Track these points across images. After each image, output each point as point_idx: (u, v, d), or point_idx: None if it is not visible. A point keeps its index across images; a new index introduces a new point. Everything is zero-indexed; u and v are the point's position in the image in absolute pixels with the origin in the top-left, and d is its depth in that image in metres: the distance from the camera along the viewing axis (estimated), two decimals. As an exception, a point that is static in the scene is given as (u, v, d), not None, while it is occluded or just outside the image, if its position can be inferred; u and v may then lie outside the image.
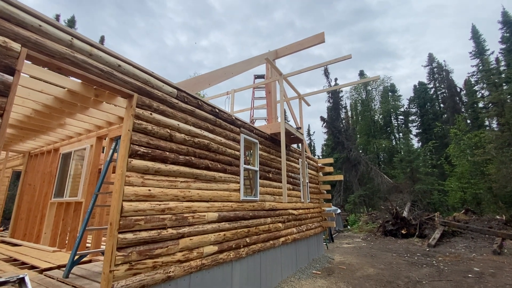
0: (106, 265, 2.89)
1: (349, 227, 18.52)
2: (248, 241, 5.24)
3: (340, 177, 10.06)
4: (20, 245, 6.35)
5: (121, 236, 2.98)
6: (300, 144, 9.21)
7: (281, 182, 7.11)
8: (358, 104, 38.13)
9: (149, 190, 3.40)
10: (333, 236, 14.69)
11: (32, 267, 4.33)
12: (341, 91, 33.01)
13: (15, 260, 4.81)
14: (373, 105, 36.51)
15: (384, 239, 14.09)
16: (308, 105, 9.44)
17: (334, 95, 30.64)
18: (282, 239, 6.69)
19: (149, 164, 3.45)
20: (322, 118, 30.31)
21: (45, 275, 3.70)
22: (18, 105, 4.49)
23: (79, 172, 5.95)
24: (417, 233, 13.72)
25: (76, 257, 3.60)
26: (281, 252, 6.67)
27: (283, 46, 8.09)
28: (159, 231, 3.44)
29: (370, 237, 14.90)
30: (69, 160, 6.27)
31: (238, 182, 5.28)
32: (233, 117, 5.45)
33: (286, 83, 7.36)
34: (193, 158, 4.18)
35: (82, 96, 4.33)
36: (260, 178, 6.10)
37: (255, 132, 6.23)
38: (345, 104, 37.80)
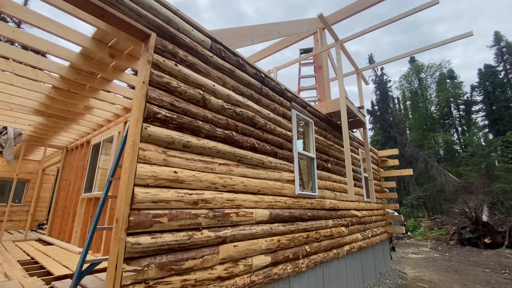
0: (108, 286, 1.83)
1: (409, 233, 15.95)
2: (307, 249, 3.92)
3: (409, 172, 8.16)
4: (53, 244, 5.89)
5: (131, 239, 1.90)
6: (359, 130, 7.61)
7: (341, 175, 5.65)
8: (408, 94, 33.64)
9: (175, 172, 2.31)
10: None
11: (47, 273, 3.57)
12: (389, 80, 29.64)
13: (35, 263, 4.16)
14: (428, 94, 31.97)
15: (461, 249, 11.53)
16: (367, 83, 7.81)
17: (382, 86, 27.54)
18: (347, 247, 5.21)
19: (175, 134, 2.36)
20: (368, 111, 27.37)
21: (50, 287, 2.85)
22: (32, 80, 3.81)
23: (108, 164, 5.25)
24: (506, 243, 10.96)
25: (86, 265, 2.69)
26: (346, 264, 5.19)
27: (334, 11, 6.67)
28: (190, 233, 2.32)
29: (441, 246, 12.39)
30: (99, 151, 5.64)
31: (292, 171, 4.00)
32: (283, 87, 4.21)
33: (343, 54, 5.90)
34: (234, 133, 3.02)
35: (97, 62, 3.48)
36: (317, 168, 4.74)
37: (308, 109, 4.90)
38: (394, 95, 33.81)
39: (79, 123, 5.78)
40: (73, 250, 4.94)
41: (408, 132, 31.26)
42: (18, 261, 4.13)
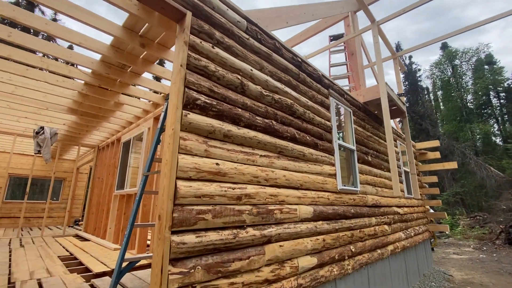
0: (153, 289, 1.65)
1: (447, 232, 14.85)
2: (353, 249, 3.58)
3: (453, 165, 7.45)
4: (89, 240, 6.02)
5: (176, 238, 1.71)
6: (393, 121, 7.06)
7: (381, 168, 5.21)
8: (439, 83, 31.07)
9: (217, 164, 2.09)
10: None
11: (85, 270, 3.56)
12: (419, 69, 27.72)
13: (74, 258, 4.20)
14: (463, 82, 29.35)
15: (511, 249, 10.46)
16: (404, 69, 7.20)
17: (411, 76, 25.86)
18: (391, 247, 4.78)
19: (215, 123, 2.14)
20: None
21: (90, 285, 2.78)
22: (65, 76, 3.80)
23: (138, 161, 5.23)
24: None
25: (125, 263, 2.58)
26: (390, 265, 4.77)
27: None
28: (235, 231, 2.10)
29: (486, 246, 11.35)
30: (129, 148, 5.65)
31: (333, 164, 3.67)
32: (320, 73, 3.87)
33: (380, 38, 5.40)
34: (274, 122, 2.75)
35: (128, 54, 3.37)
36: (357, 162, 4.36)
37: (346, 97, 4.51)
38: (424, 85, 31.43)
39: (110, 121, 5.82)
40: (108, 246, 4.97)
41: (439, 124, 29.13)
42: (58, 256, 4.19)
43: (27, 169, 9.29)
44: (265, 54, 2.89)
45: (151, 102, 4.99)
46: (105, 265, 3.62)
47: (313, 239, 2.94)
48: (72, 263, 3.88)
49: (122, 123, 6.01)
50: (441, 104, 32.68)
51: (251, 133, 2.45)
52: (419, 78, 28.36)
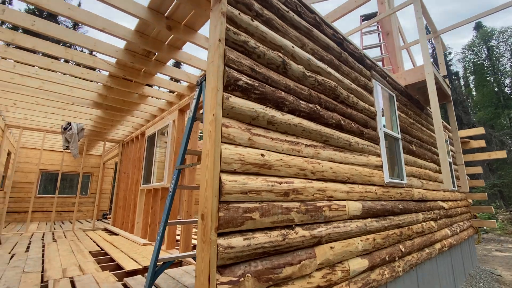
0: (199, 302, 1.41)
1: (485, 227, 13.83)
2: (402, 249, 3.20)
3: (501, 154, 6.71)
4: (117, 234, 6.04)
5: (223, 242, 1.45)
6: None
7: (425, 159, 4.71)
8: (472, 67, 28.62)
9: (262, 155, 1.80)
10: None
11: (117, 267, 3.46)
12: (449, 53, 25.72)
13: (105, 254, 4.15)
14: (500, 65, 26.80)
15: None
16: (445, 49, 6.50)
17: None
18: (438, 245, 4.33)
19: (258, 107, 1.85)
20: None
21: (122, 285, 2.64)
22: (90, 68, 3.66)
23: (164, 154, 5.10)
24: None
25: (159, 263, 2.40)
26: (437, 265, 4.33)
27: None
28: (283, 231, 1.82)
29: (533, 243, 10.37)
30: (154, 142, 5.53)
31: (379, 155, 3.28)
32: (362, 52, 3.45)
33: (423, 15, 4.82)
34: (318, 107, 2.41)
35: (153, 40, 3.14)
36: (402, 151, 3.91)
37: (388, 80, 4.05)
38: (455, 69, 29.15)
39: (134, 115, 5.73)
40: (137, 241, 4.92)
41: (472, 111, 27.04)
42: (89, 252, 4.16)
43: (57, 165, 9.59)
44: (306, 29, 2.54)
45: (176, 93, 4.80)
46: (136, 261, 3.50)
47: (363, 238, 2.60)
48: (103, 259, 3.81)
49: (146, 117, 5.90)
50: (473, 90, 30.35)
51: (296, 120, 2.14)
52: (449, 62, 26.32)
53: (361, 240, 2.57)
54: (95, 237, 5.64)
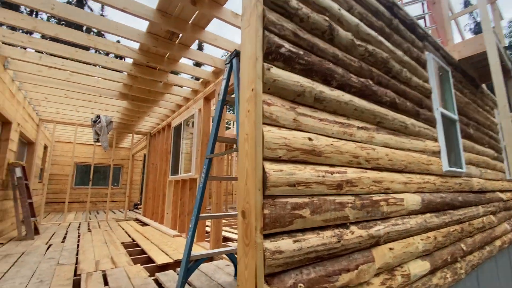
0: (244, 317, 1.15)
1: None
2: (464, 248, 2.75)
3: None
4: (148, 225, 6.10)
5: (270, 245, 1.17)
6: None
7: (483, 144, 4.10)
8: None
9: (310, 139, 1.48)
10: None
11: (148, 260, 3.38)
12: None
13: (136, 245, 4.13)
14: None
15: None
16: (502, 18, 5.61)
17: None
18: (498, 242, 3.77)
19: (303, 81, 1.52)
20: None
21: (154, 281, 2.50)
22: (113, 54, 3.50)
23: (191, 144, 4.95)
24: None
25: (192, 259, 2.21)
26: (497, 264, 3.78)
27: None
28: (337, 231, 1.50)
29: None
30: (180, 133, 5.41)
31: (436, 139, 2.81)
32: (413, 20, 2.93)
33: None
34: (370, 82, 2.02)
35: (175, 19, 2.88)
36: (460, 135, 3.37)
37: (442, 53, 3.48)
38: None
39: (159, 105, 5.63)
40: (167, 232, 4.88)
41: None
42: (121, 243, 4.16)
43: (89, 157, 9.99)
44: (352, -10, 2.12)
45: (201, 80, 4.57)
46: (167, 254, 3.40)
47: (424, 237, 2.21)
48: (135, 251, 3.77)
49: (172, 107, 5.78)
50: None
51: (346, 97, 1.77)
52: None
53: (421, 239, 2.18)
54: (127, 227, 5.72)
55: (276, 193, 1.26)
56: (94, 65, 3.86)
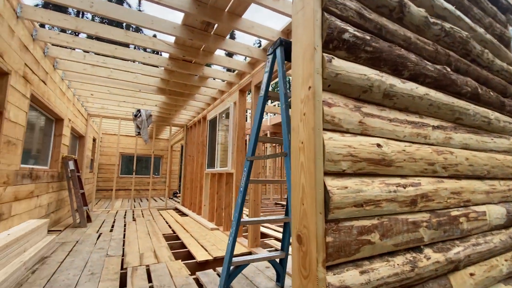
0: None
1: None
2: (557, 268, 2.24)
3: None
4: (187, 215, 6.28)
5: (334, 280, 0.96)
6: None
7: None
8: None
9: (378, 145, 1.20)
10: None
11: (188, 255, 3.41)
12: None
13: (177, 238, 4.22)
14: None
15: None
16: None
17: None
18: None
19: (370, 73, 1.23)
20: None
21: (195, 280, 2.47)
22: (150, 49, 3.46)
23: (226, 139, 4.87)
24: None
25: (234, 265, 2.11)
26: None
27: None
28: (409, 257, 1.23)
29: None
30: (216, 126, 5.35)
31: (523, 135, 2.28)
32: (497, -13, 2.36)
33: None
34: (447, 69, 1.63)
35: (212, 8, 2.69)
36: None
37: (529, 27, 2.81)
38: None
39: (195, 99, 5.61)
40: (205, 224, 4.93)
41: None
42: (163, 234, 4.29)
43: (132, 148, 10.61)
44: (424, -46, 1.71)
45: (236, 71, 4.39)
46: (206, 250, 3.39)
47: (508, 256, 1.81)
48: (175, 244, 3.84)
49: (207, 100, 5.73)
50: None
51: (421, 90, 1.44)
52: None
53: (506, 260, 1.79)
54: (168, 217, 5.95)
55: (340, 216, 1.03)
56: (133, 61, 3.89)
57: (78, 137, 6.74)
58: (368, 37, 1.23)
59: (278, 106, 8.51)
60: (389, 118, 1.29)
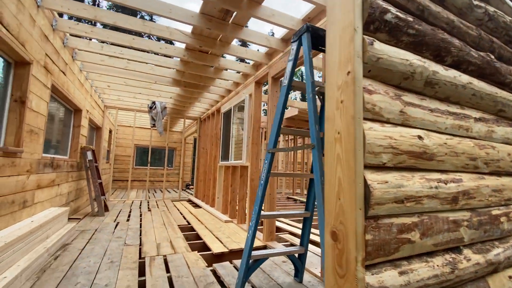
0: None
1: None
2: None
3: None
4: (200, 207, 6.33)
5: (372, 280, 0.89)
6: None
7: None
8: None
9: (420, 137, 1.11)
10: None
11: (204, 246, 3.42)
12: None
13: (191, 229, 4.25)
14: None
15: None
16: None
17: None
18: None
19: (413, 58, 1.13)
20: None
21: (212, 272, 2.46)
22: (167, 39, 3.42)
23: (241, 132, 4.82)
24: None
25: (253, 259, 2.08)
26: None
27: None
28: (449, 258, 1.15)
29: None
30: (230, 118, 5.30)
31: None
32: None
33: None
34: (491, 57, 1.49)
35: (231, -6, 2.61)
36: None
37: None
38: None
39: (210, 91, 5.57)
40: (219, 217, 4.95)
41: None
42: (178, 225, 4.33)
43: (147, 140, 10.77)
44: None
45: (252, 62, 4.30)
46: (221, 242, 3.40)
47: (550, 261, 1.68)
48: (191, 236, 3.87)
49: (221, 92, 5.68)
50: None
51: (464, 78, 1.32)
52: None
53: (547, 264, 1.66)
54: (182, 208, 6.02)
55: (380, 213, 0.95)
56: (149, 52, 3.87)
57: (95, 128, 6.87)
58: (410, 19, 1.12)
59: (293, 99, 8.33)
60: (430, 108, 1.19)
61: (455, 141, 1.26)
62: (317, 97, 1.99)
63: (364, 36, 1.00)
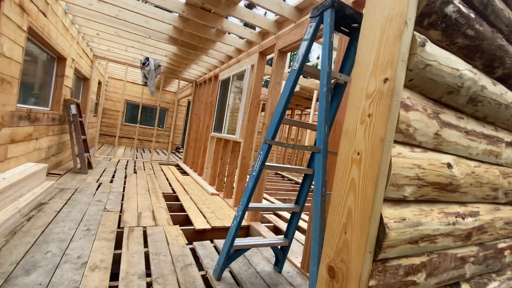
0: None
1: None
2: None
3: None
4: (188, 174, 6.25)
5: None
6: None
7: None
8: None
9: (449, 165, 0.93)
10: None
11: (186, 220, 3.37)
12: None
13: (176, 199, 4.18)
14: None
15: None
16: None
17: None
18: None
19: (464, 67, 0.89)
20: None
21: (191, 251, 2.41)
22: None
23: (238, 105, 4.54)
24: None
25: (234, 249, 2.00)
26: None
27: None
28: (448, 296, 1.04)
29: None
30: (228, 88, 4.97)
31: None
32: None
33: None
34: (539, 70, 1.27)
35: None
36: None
37: None
38: None
39: (208, 54, 5.14)
40: (205, 188, 4.89)
41: None
42: (163, 193, 4.24)
43: (138, 97, 10.28)
44: None
45: (259, 30, 3.88)
46: (205, 217, 3.34)
47: (535, 289, 1.66)
48: (174, 206, 3.80)
49: (221, 57, 5.26)
50: None
51: (509, 96, 1.11)
52: None
53: (532, 292, 1.63)
54: (169, 174, 5.92)
55: (390, 256, 0.81)
56: (144, 1, 3.39)
57: (82, 79, 6.40)
58: (473, 16, 0.87)
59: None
60: (466, 130, 0.99)
61: (483, 169, 1.09)
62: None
63: (415, 33, 0.75)
